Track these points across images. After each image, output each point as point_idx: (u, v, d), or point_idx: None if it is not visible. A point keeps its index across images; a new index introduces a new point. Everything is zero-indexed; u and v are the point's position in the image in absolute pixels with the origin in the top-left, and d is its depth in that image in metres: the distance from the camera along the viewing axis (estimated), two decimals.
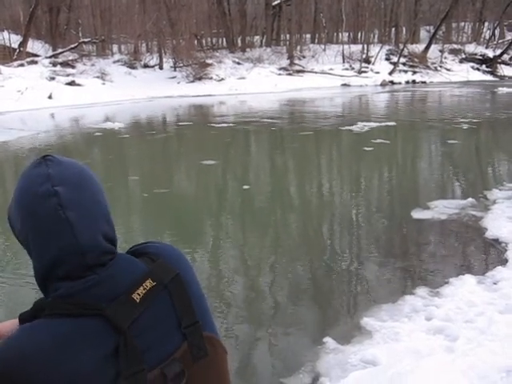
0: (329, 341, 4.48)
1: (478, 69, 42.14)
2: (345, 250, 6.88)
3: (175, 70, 33.09)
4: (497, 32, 49.35)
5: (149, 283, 1.25)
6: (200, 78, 31.74)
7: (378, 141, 13.96)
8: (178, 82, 31.31)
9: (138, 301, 1.22)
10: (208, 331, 1.32)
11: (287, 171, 12.25)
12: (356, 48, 39.73)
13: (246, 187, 9.77)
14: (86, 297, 1.20)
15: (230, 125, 18.18)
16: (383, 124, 17.31)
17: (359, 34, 44.27)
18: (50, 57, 32.22)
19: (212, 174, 11.50)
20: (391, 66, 38.32)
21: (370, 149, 13.03)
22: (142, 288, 1.24)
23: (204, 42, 40.48)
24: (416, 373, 3.75)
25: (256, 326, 4.93)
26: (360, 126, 16.52)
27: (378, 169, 12.10)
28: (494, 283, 5.31)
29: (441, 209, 7.90)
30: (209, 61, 33.65)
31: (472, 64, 42.47)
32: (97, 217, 1.25)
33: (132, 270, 1.26)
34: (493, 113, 20.69)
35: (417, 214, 7.76)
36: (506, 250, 6.15)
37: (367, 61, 38.51)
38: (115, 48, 39.81)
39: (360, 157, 12.76)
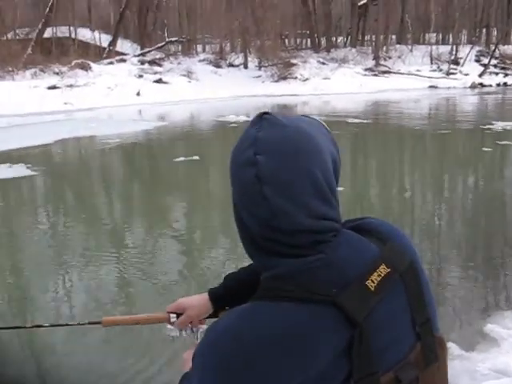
0: (452, 346, 4.18)
1: None
2: (452, 253, 6.53)
3: (260, 70, 33.16)
4: None
5: (383, 269, 1.05)
6: (285, 78, 31.67)
7: (504, 142, 13.40)
8: (263, 82, 31.35)
9: (372, 289, 1.02)
10: (436, 331, 1.11)
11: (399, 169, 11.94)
12: (444, 49, 38.60)
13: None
14: (311, 279, 1.01)
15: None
16: None
17: (448, 35, 42.99)
18: (138, 55, 32.95)
19: None
20: (481, 68, 36.92)
21: (488, 149, 12.51)
22: (376, 274, 1.04)
23: (288, 41, 40.41)
24: None
25: None
26: (499, 126, 16.12)
27: (487, 171, 11.59)
28: None
29: None
30: (293, 61, 33.55)
31: None
32: (304, 193, 1.03)
33: (364, 251, 1.07)
34: None
35: None
36: None
37: (456, 62, 37.29)
38: (199, 47, 40.37)
39: (473, 157, 12.33)
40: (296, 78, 31.98)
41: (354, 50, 38.34)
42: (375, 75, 34.46)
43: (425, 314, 1.10)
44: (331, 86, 30.60)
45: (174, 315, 1.66)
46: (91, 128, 17.21)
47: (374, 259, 1.05)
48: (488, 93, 30.39)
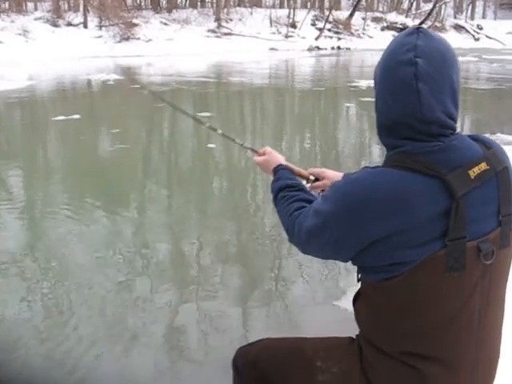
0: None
1: None
2: None
3: (101, 30, 32.11)
4: (415, 2, 50.80)
5: (483, 165, 1.40)
6: (127, 39, 31.01)
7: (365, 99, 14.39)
8: (105, 42, 30.44)
9: (472, 177, 1.37)
10: None
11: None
12: (283, 13, 39.84)
13: (211, 146, 9.72)
14: (429, 159, 1.36)
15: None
16: None
17: None
18: None
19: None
20: (317, 32, 38.77)
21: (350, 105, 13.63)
22: (477, 168, 1.39)
23: (128, 1, 39.34)
24: None
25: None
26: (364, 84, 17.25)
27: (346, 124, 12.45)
28: None
29: None
30: (135, 21, 32.88)
31: (393, 32, 43.46)
32: (444, 94, 1.39)
33: (472, 150, 1.42)
34: None
35: None
36: None
37: (293, 25, 38.73)
38: (30, 5, 37.98)
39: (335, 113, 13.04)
40: (139, 38, 31.45)
41: (195, 11, 38.30)
42: (218, 37, 34.85)
43: (509, 209, 1.45)
44: (175, 47, 30.51)
45: (313, 177, 2.02)
46: None
47: (478, 157, 1.41)
48: (324, 55, 32.04)
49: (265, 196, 6.88)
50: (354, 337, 1.65)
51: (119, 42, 30.78)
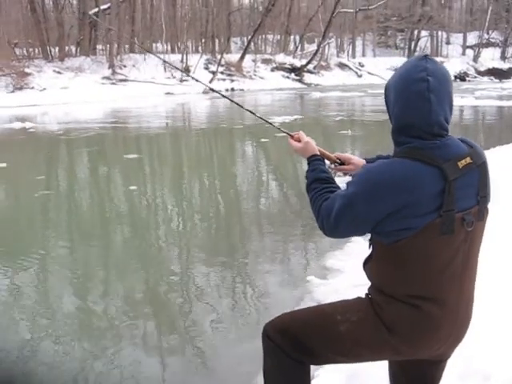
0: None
1: (287, 77, 45.50)
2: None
3: None
4: (300, 44, 53.51)
5: (468, 159, 1.90)
6: (21, 88, 30.65)
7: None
8: None
9: (460, 167, 1.87)
10: (487, 205, 2.00)
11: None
12: (175, 57, 40.75)
13: (132, 188, 10.00)
14: (431, 153, 1.87)
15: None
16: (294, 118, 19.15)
17: (177, 44, 45.39)
18: None
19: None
20: (210, 75, 39.98)
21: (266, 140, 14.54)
22: (463, 161, 1.89)
23: (19, 51, 38.84)
24: None
25: None
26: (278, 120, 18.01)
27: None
28: None
29: None
30: (27, 70, 32.57)
31: (282, 72, 45.75)
32: (445, 103, 1.90)
33: (460, 147, 1.93)
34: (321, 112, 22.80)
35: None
36: None
37: (187, 70, 39.68)
38: None
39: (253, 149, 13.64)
40: (33, 87, 31.16)
41: (88, 59, 38.33)
42: (113, 84, 35.12)
43: (485, 192, 1.95)
44: (70, 96, 30.34)
45: (339, 161, 2.39)
46: None
47: (464, 153, 1.90)
48: (220, 97, 32.69)
49: (181, 240, 7.14)
50: (363, 295, 2.09)
51: (12, 91, 30.37)
